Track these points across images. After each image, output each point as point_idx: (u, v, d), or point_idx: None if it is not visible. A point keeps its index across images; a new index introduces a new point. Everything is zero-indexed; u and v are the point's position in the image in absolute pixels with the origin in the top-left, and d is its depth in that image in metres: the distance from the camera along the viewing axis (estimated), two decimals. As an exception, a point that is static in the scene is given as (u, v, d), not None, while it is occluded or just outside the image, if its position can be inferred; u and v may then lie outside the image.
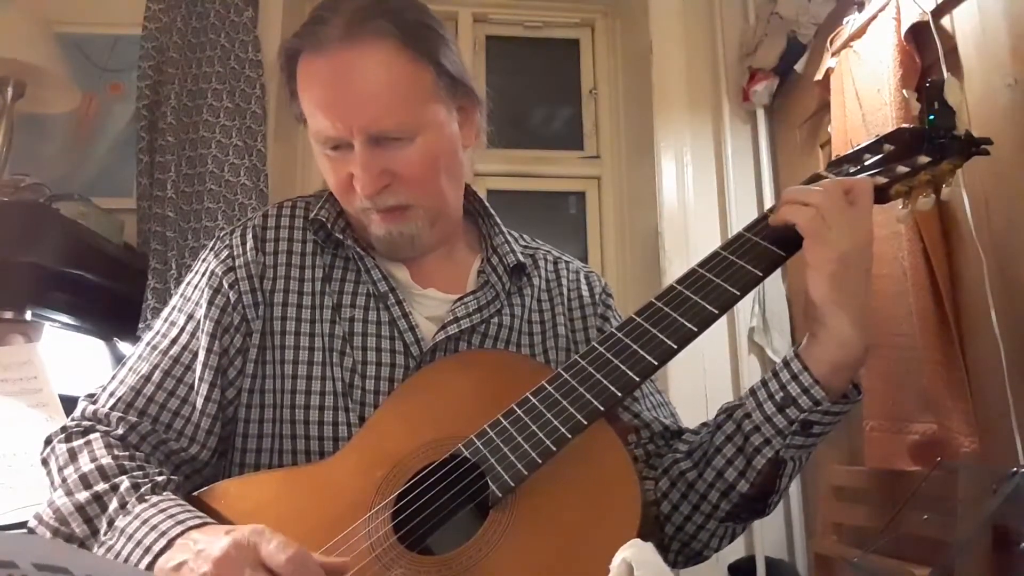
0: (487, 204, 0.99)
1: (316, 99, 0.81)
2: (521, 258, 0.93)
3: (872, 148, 0.80)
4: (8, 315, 1.37)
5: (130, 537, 0.65)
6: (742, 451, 0.75)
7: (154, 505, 0.68)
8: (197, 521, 0.66)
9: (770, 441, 0.73)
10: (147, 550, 0.63)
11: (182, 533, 0.64)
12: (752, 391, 0.76)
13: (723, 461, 0.76)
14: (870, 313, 0.72)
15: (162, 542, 0.63)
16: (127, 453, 0.75)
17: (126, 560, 0.63)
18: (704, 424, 0.85)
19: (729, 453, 0.76)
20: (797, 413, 0.71)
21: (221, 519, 0.72)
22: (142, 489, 0.70)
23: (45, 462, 0.78)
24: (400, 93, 0.79)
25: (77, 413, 0.82)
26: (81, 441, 0.76)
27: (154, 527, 0.65)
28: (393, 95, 0.79)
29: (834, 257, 0.69)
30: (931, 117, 0.78)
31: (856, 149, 0.81)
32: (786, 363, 0.73)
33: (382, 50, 0.79)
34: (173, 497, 0.70)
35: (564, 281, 0.98)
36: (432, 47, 0.82)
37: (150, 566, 0.62)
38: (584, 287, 0.98)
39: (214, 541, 0.60)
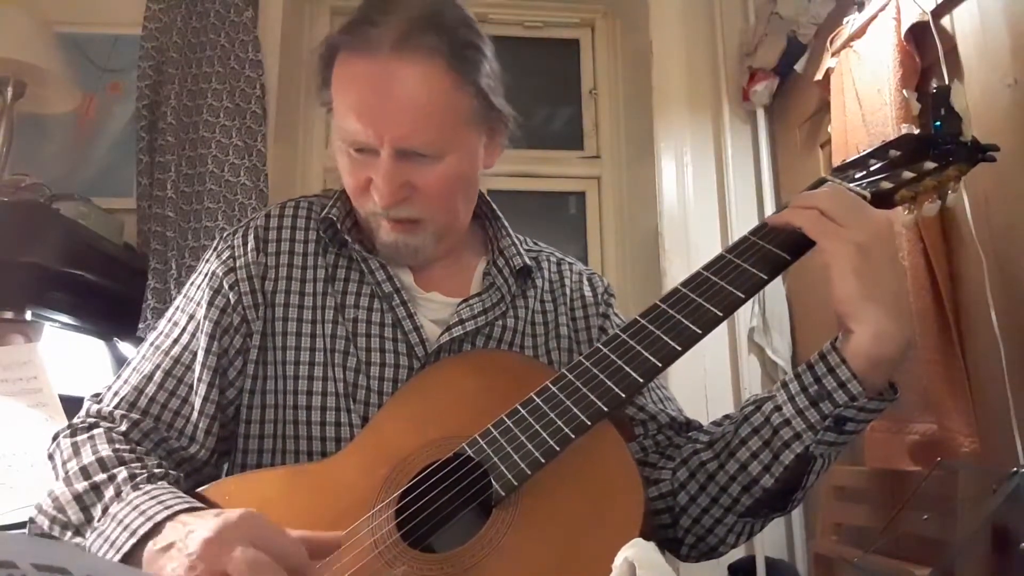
0: (495, 207, 0.98)
1: (352, 102, 0.80)
2: (527, 260, 0.93)
3: (878, 153, 0.80)
4: (8, 315, 1.36)
5: (120, 522, 0.65)
6: (769, 445, 0.73)
7: (146, 493, 0.68)
8: (186, 506, 0.66)
9: (800, 436, 0.71)
10: (132, 532, 0.63)
11: (169, 517, 0.64)
12: (784, 384, 0.73)
13: (748, 454, 0.74)
14: (906, 304, 0.69)
15: (147, 525, 0.63)
16: (128, 447, 0.76)
17: (112, 543, 0.64)
18: (727, 416, 0.83)
19: (755, 446, 0.74)
20: (831, 408, 0.69)
21: None
22: (138, 479, 0.70)
23: (51, 457, 0.79)
24: (437, 114, 0.79)
25: (83, 411, 0.83)
26: (85, 436, 0.77)
27: (142, 512, 0.65)
28: (430, 115, 0.78)
29: (853, 251, 0.67)
30: (937, 123, 0.77)
31: (862, 154, 0.81)
32: (822, 355, 0.71)
33: (428, 68, 0.78)
34: (167, 486, 0.70)
35: (567, 282, 0.98)
36: (476, 70, 0.81)
37: (135, 548, 0.62)
38: (587, 288, 0.98)
39: (204, 523, 0.60)
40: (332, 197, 0.91)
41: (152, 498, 0.67)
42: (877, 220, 0.70)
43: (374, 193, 0.81)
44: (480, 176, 0.90)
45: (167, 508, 0.65)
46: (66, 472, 0.73)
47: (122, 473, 0.71)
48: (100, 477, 0.71)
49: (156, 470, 0.73)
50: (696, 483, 0.79)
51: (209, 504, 0.73)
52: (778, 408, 0.73)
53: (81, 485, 0.71)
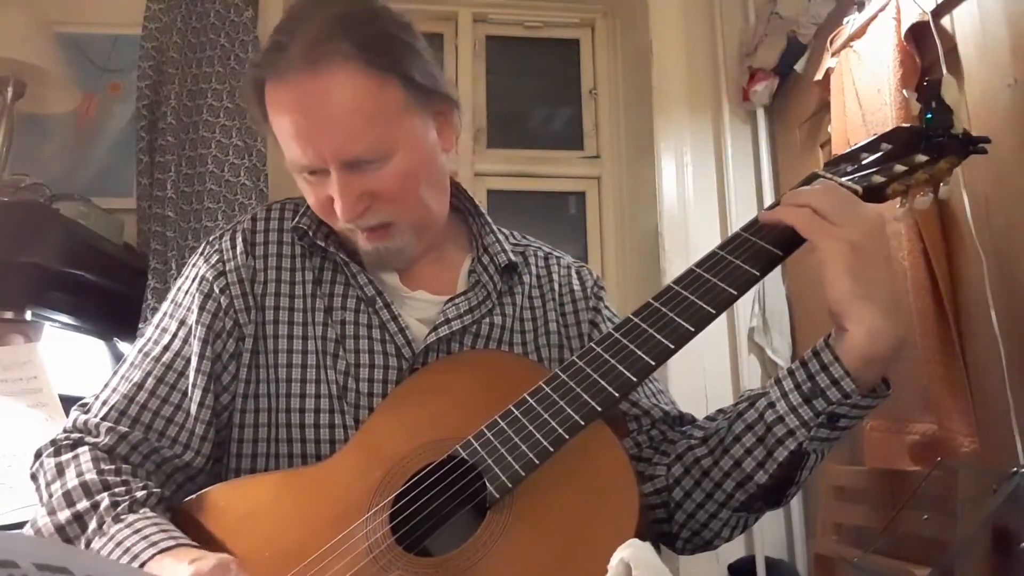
0: (477, 203, 0.98)
1: (285, 128, 0.79)
2: (512, 257, 0.92)
3: (870, 147, 0.79)
4: (8, 315, 1.37)
5: None
6: (763, 441, 0.73)
7: (129, 525, 0.68)
8: (171, 543, 0.66)
9: (794, 432, 0.70)
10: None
11: (154, 556, 0.64)
12: (777, 380, 0.73)
13: (742, 450, 0.74)
14: (899, 303, 0.69)
15: (135, 565, 0.63)
16: (113, 467, 0.75)
17: None
18: (721, 411, 0.83)
19: (749, 442, 0.74)
20: (824, 405, 0.69)
21: (218, 523, 0.72)
22: (119, 508, 0.70)
23: (34, 477, 0.78)
24: (368, 116, 0.78)
25: (68, 424, 0.81)
26: (69, 455, 0.76)
27: (127, 550, 0.65)
28: (361, 119, 0.77)
29: (846, 249, 0.67)
30: (928, 116, 0.77)
31: (854, 148, 0.81)
32: (815, 352, 0.70)
33: (344, 73, 0.76)
34: (150, 515, 0.70)
35: (555, 277, 0.97)
36: (397, 59, 0.80)
37: None
38: (576, 282, 0.98)
39: (178, 571, 0.60)
40: (306, 203, 0.89)
41: (136, 532, 0.67)
42: (870, 217, 0.70)
43: (337, 210, 0.80)
44: (446, 161, 0.89)
45: (152, 545, 0.65)
46: (49, 496, 0.73)
47: (105, 501, 0.70)
48: (83, 505, 0.71)
49: (138, 494, 0.72)
50: (691, 479, 0.79)
51: (204, 513, 0.73)
52: (771, 404, 0.73)
53: (64, 515, 0.70)
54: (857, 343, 0.67)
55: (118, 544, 0.66)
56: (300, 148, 0.78)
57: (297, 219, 0.88)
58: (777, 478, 0.73)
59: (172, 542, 0.66)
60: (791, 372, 0.72)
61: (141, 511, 0.70)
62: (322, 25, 0.77)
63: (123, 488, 0.72)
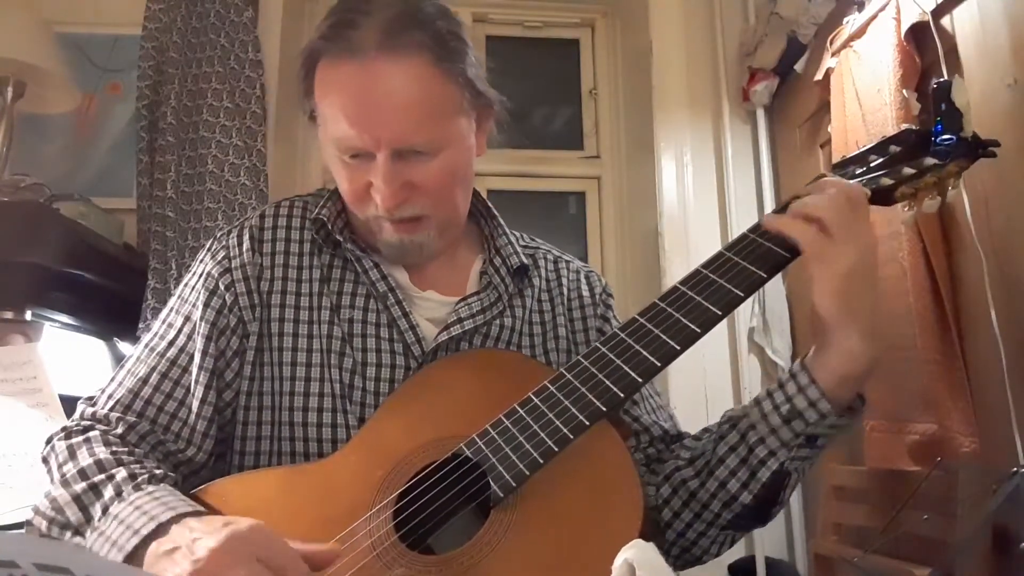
0: (490, 205, 0.98)
1: (342, 107, 0.79)
2: (524, 259, 0.92)
3: (878, 149, 0.80)
4: (8, 315, 1.36)
5: (121, 521, 0.65)
6: (746, 462, 0.75)
7: (149, 494, 0.68)
8: (190, 509, 0.66)
9: (775, 453, 0.73)
10: (135, 532, 0.63)
11: (174, 519, 0.64)
12: (757, 401, 0.75)
13: (726, 472, 0.76)
14: (879, 323, 0.71)
15: (151, 525, 0.63)
16: (126, 449, 0.75)
17: (115, 543, 0.63)
18: (706, 430, 0.84)
19: (732, 464, 0.76)
20: (803, 426, 0.71)
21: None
22: (139, 478, 0.70)
23: (45, 460, 0.78)
24: (431, 110, 0.79)
25: (76, 415, 0.82)
26: (80, 439, 0.76)
27: (145, 512, 0.65)
28: (424, 112, 0.78)
29: (840, 273, 0.68)
30: (938, 119, 0.77)
31: (862, 150, 0.81)
32: (792, 375, 0.73)
33: (417, 65, 0.77)
34: (169, 488, 0.70)
35: (564, 281, 0.97)
36: (461, 60, 0.81)
37: (137, 548, 0.62)
38: (584, 287, 0.98)
39: (212, 532, 0.59)
40: (324, 197, 0.90)
41: (155, 499, 0.66)
42: (866, 238, 0.71)
43: (375, 196, 0.80)
44: (474, 173, 0.90)
45: (171, 509, 0.65)
46: (63, 475, 0.73)
47: (121, 473, 0.70)
48: (99, 478, 0.70)
49: (156, 471, 0.72)
50: (679, 499, 0.81)
51: (207, 505, 0.73)
52: (752, 427, 0.75)
53: (79, 486, 0.70)
54: (832, 363, 0.70)
55: (137, 508, 0.65)
56: (355, 129, 0.78)
57: (317, 211, 0.88)
58: (760, 498, 0.75)
59: (191, 508, 0.66)
60: (770, 394, 0.74)
61: (160, 485, 0.70)
62: (399, 12, 0.78)
63: (138, 464, 0.73)
